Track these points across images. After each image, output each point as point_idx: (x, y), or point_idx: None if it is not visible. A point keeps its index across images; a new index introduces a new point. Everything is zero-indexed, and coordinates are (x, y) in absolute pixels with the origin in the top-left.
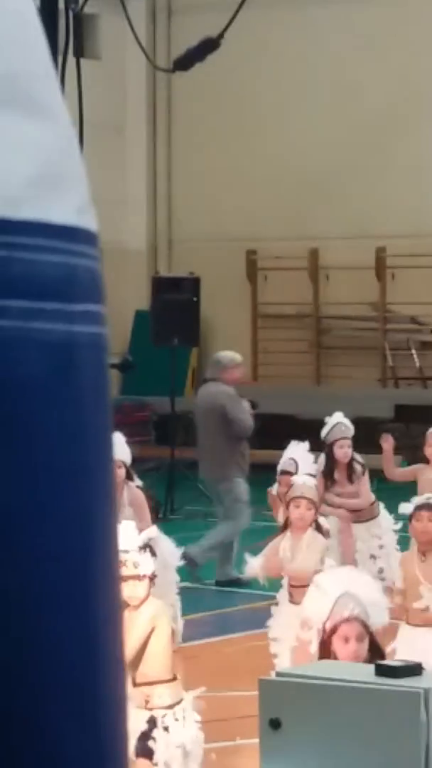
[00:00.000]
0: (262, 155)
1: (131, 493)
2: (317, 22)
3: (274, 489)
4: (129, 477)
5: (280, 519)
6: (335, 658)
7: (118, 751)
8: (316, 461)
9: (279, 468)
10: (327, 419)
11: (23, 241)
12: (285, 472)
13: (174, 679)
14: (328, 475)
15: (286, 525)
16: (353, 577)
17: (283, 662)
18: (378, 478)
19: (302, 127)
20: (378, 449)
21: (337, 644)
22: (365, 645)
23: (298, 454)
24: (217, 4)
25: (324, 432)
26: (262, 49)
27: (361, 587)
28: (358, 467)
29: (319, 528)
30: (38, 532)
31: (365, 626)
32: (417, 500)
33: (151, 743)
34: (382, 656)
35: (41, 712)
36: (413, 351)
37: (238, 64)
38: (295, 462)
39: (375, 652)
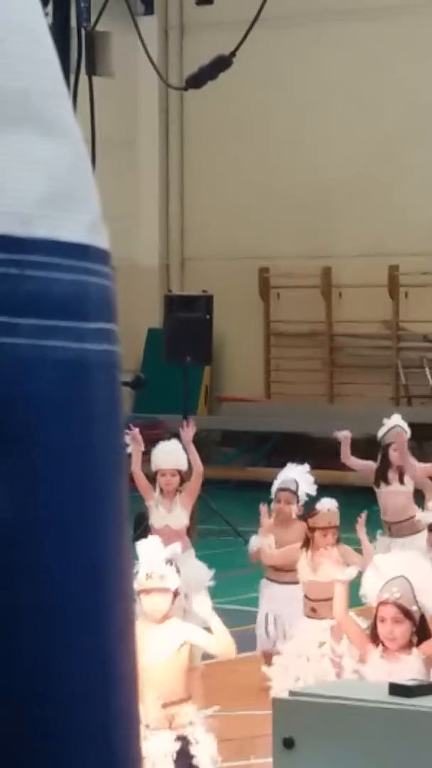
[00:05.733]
0: (274, 172)
1: None
2: (329, 39)
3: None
4: None
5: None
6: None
7: None
8: (315, 482)
9: (277, 486)
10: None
11: (35, 260)
12: (284, 489)
13: (190, 697)
14: (381, 476)
15: (306, 544)
16: (411, 562)
17: (301, 679)
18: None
19: (315, 145)
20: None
21: (378, 624)
22: (403, 628)
23: (297, 474)
24: (228, 22)
25: (380, 433)
26: (274, 66)
27: (417, 574)
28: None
29: (336, 541)
30: (49, 547)
31: (405, 611)
32: None
33: (195, 761)
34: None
35: (51, 729)
36: (426, 369)
37: (250, 82)
38: (296, 481)
39: (424, 636)
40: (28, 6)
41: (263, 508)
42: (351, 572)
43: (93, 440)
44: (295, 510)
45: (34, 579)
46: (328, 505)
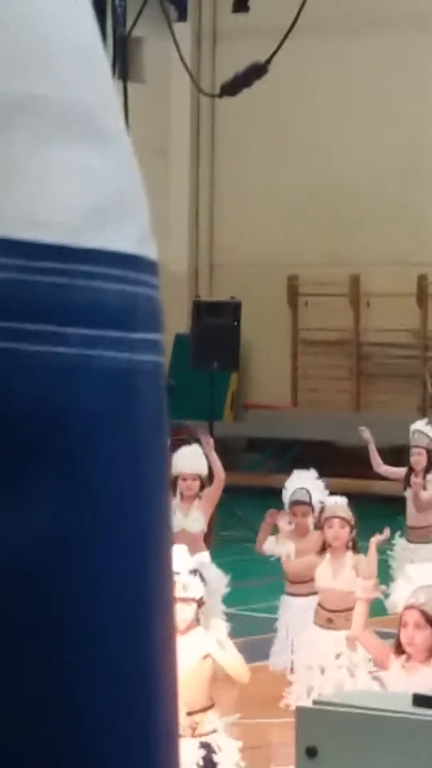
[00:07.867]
0: (304, 181)
1: None
2: (362, 48)
3: (282, 519)
4: None
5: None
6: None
7: None
8: (326, 488)
9: (290, 499)
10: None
11: (85, 269)
12: (299, 502)
13: (213, 705)
14: (407, 480)
15: (323, 548)
16: None
17: (316, 690)
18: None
19: (345, 154)
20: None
21: (401, 629)
22: (424, 635)
23: (307, 483)
24: (260, 30)
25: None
26: (306, 75)
27: None
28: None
29: (355, 548)
30: (94, 559)
31: (428, 617)
32: None
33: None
34: None
35: (91, 743)
36: None
37: (282, 90)
38: (308, 491)
39: None
40: (82, 18)
41: (275, 514)
42: (374, 592)
43: (139, 451)
44: (311, 521)
45: (79, 590)
46: (334, 500)
